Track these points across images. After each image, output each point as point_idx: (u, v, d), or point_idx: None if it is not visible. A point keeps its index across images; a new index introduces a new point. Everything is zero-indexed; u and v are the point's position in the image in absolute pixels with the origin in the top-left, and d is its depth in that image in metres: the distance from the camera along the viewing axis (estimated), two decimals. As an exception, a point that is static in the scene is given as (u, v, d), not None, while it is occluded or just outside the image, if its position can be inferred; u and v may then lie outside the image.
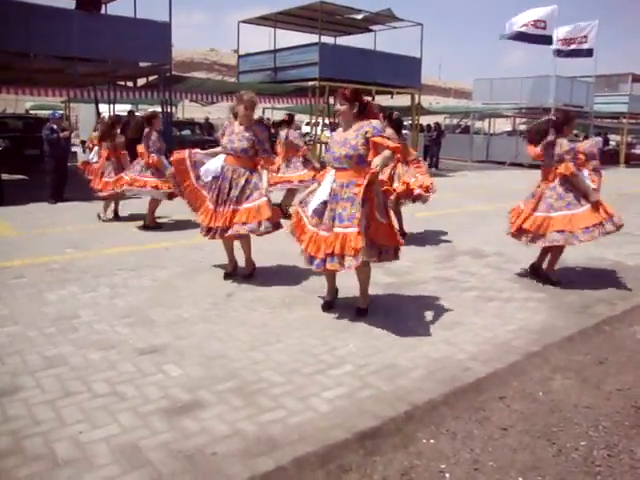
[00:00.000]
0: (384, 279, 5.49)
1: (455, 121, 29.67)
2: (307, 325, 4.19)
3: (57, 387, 3.12)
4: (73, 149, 15.72)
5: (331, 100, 20.04)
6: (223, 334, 3.97)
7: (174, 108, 19.69)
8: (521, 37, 21.75)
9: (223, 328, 4.09)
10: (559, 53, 22.44)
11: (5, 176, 13.87)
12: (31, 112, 29.62)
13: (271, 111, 21.99)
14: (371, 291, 5.05)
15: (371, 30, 19.65)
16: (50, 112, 11.40)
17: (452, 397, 3.16)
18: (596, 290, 5.35)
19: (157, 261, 5.96)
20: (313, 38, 17.30)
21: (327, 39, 19.13)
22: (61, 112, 11.98)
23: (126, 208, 8.86)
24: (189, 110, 33.06)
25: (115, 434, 2.67)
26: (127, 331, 4.00)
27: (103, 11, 13.34)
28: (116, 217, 8.71)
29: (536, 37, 21.69)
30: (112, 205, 8.72)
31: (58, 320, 4.18)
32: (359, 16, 17.15)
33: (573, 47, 22.53)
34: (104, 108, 16.09)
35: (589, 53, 22.66)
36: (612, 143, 29.97)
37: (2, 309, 4.39)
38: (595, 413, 3.10)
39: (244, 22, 18.93)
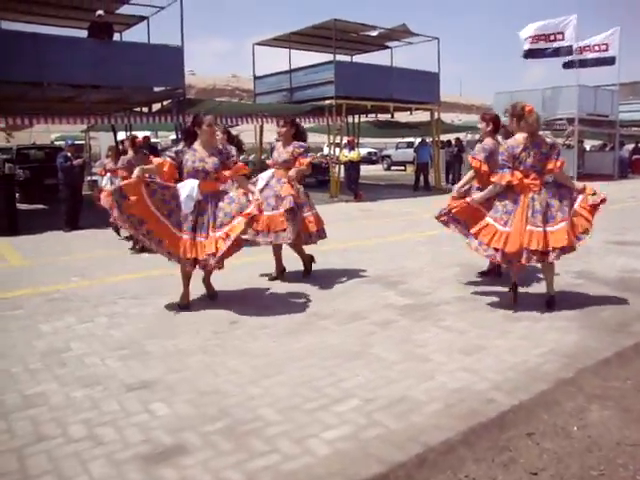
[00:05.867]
0: (399, 301, 5.11)
1: (477, 136, 29.21)
2: (313, 354, 3.83)
3: (29, 431, 2.81)
4: (93, 178, 15.75)
5: (350, 119, 19.93)
6: (220, 367, 3.64)
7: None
8: (546, 55, 21.28)
9: (221, 359, 3.76)
10: (580, 63, 21.88)
11: (25, 206, 14.04)
12: (56, 143, 30.21)
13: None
14: (383, 315, 4.72)
15: (387, 47, 19.47)
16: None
17: (472, 435, 2.76)
18: (633, 306, 4.88)
19: (162, 288, 5.68)
20: (330, 57, 17.12)
21: (344, 57, 18.97)
22: (78, 141, 12.03)
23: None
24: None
25: (83, 487, 2.35)
26: (118, 365, 3.70)
27: (117, 38, 13.42)
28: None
29: (558, 50, 21.18)
30: None
31: (47, 354, 3.90)
32: (374, 33, 16.96)
33: (594, 56, 21.98)
34: (122, 135, 16.16)
35: (612, 61, 22.07)
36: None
37: (-9, 343, 4.14)
38: (641, 451, 2.66)
39: (259, 44, 18.89)
